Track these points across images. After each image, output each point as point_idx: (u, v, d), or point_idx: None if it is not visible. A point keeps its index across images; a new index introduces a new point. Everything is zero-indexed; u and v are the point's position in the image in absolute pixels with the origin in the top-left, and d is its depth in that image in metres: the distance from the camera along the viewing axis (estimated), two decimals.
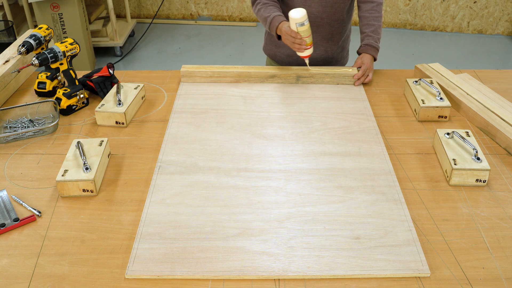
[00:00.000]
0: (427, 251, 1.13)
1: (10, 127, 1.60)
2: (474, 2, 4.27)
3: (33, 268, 1.10)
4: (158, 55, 4.11)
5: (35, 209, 1.25)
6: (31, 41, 1.72)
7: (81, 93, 1.68)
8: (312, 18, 1.83)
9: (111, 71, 1.77)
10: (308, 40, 1.67)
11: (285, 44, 1.89)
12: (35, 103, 1.71)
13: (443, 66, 1.85)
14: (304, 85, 1.80)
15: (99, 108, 1.60)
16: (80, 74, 1.89)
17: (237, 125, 1.58)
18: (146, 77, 1.91)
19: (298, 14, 1.60)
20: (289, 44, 1.69)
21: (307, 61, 1.76)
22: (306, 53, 1.71)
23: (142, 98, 1.73)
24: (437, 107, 1.59)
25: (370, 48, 1.85)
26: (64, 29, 3.60)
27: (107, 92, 1.73)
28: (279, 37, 1.76)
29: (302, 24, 1.61)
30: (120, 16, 4.61)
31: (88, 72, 1.85)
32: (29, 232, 1.20)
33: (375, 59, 1.86)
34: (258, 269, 1.08)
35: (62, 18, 3.56)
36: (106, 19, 4.14)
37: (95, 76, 1.77)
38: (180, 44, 4.29)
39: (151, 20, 4.61)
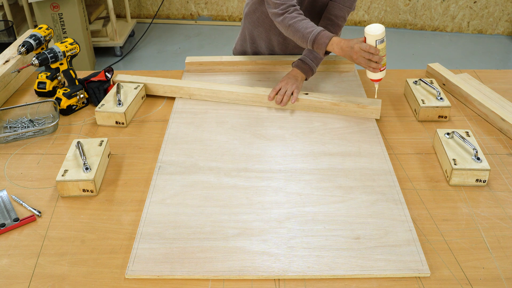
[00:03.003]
0: (427, 251, 1.13)
1: (10, 127, 1.60)
2: (474, 2, 4.27)
3: (33, 268, 1.10)
4: (158, 55, 4.10)
5: (35, 209, 1.25)
6: (31, 41, 1.72)
7: (81, 93, 1.68)
8: (318, 8, 1.75)
9: (108, 75, 1.75)
10: (385, 59, 1.47)
11: (258, 47, 1.89)
12: (35, 103, 1.71)
13: (443, 66, 1.85)
14: (304, 86, 1.80)
15: (99, 108, 1.60)
16: (80, 74, 1.89)
17: (237, 125, 1.58)
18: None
19: (378, 30, 1.41)
20: (363, 62, 1.46)
21: (376, 86, 1.55)
22: (379, 75, 1.49)
23: (142, 98, 1.73)
24: (437, 107, 1.59)
25: (300, 63, 1.70)
26: (64, 29, 3.60)
27: (101, 98, 1.70)
28: (326, 53, 1.57)
29: (382, 41, 1.43)
30: (120, 16, 4.61)
31: (88, 74, 1.83)
32: (29, 232, 1.20)
33: (306, 78, 1.71)
34: (258, 269, 1.08)
35: (62, 18, 3.55)
36: (106, 19, 4.14)
37: (91, 80, 1.75)
38: (180, 44, 4.28)
39: (151, 20, 4.61)
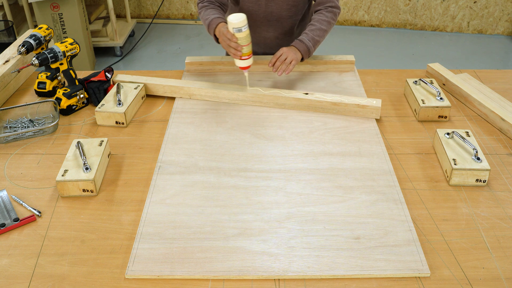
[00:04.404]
0: (427, 251, 1.13)
1: (10, 127, 1.60)
2: (474, 2, 4.27)
3: (33, 268, 1.10)
4: (158, 55, 4.10)
5: (35, 209, 1.25)
6: (31, 41, 1.72)
7: (81, 93, 1.68)
8: (274, 15, 1.83)
9: (108, 75, 1.75)
10: (247, 49, 1.57)
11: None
12: (35, 103, 1.71)
13: (443, 66, 1.85)
14: (304, 86, 1.80)
15: (99, 108, 1.60)
16: (80, 74, 1.89)
17: (237, 125, 1.58)
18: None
19: (235, 19, 1.51)
20: (224, 47, 1.60)
21: (246, 74, 1.66)
22: (243, 63, 1.61)
23: (142, 98, 1.73)
24: (437, 107, 1.59)
25: (297, 42, 1.71)
26: (64, 29, 3.60)
27: (101, 98, 1.71)
28: (217, 39, 1.69)
29: (240, 30, 1.52)
30: (120, 16, 4.61)
31: (88, 74, 1.83)
32: (29, 232, 1.20)
33: (303, 57, 1.71)
34: (258, 269, 1.08)
35: (62, 18, 3.56)
36: (106, 19, 4.14)
37: (91, 80, 1.75)
38: (180, 44, 4.28)
39: (151, 20, 4.61)
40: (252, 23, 1.86)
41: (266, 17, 1.83)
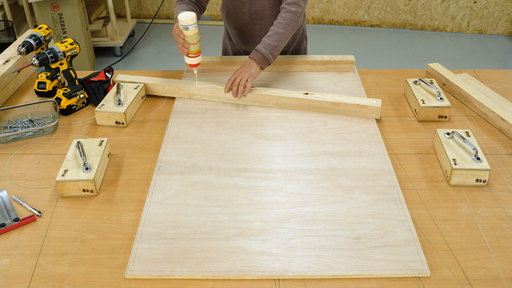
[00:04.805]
0: (427, 251, 1.13)
1: (10, 127, 1.60)
2: (474, 2, 4.27)
3: (33, 268, 1.10)
4: (158, 55, 4.10)
5: (35, 209, 1.25)
6: (31, 41, 1.72)
7: (81, 93, 1.68)
8: (258, 14, 1.83)
9: (108, 75, 1.75)
10: (194, 47, 1.61)
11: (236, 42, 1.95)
12: (35, 103, 1.71)
13: (443, 66, 1.85)
14: (304, 86, 1.80)
15: (99, 108, 1.60)
16: (80, 74, 1.89)
17: (237, 125, 1.58)
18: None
19: (183, 17, 1.55)
20: (175, 40, 1.64)
21: (195, 72, 1.70)
22: (190, 61, 1.65)
23: (142, 98, 1.73)
24: (437, 107, 1.59)
25: (254, 52, 1.67)
26: (64, 29, 3.60)
27: (101, 98, 1.71)
28: None
29: (186, 28, 1.56)
30: (120, 16, 4.61)
31: (88, 74, 1.83)
32: (29, 232, 1.20)
33: (262, 67, 1.67)
34: (258, 269, 1.08)
35: (62, 18, 3.56)
36: (106, 19, 4.14)
37: (91, 80, 1.75)
38: None
39: (151, 20, 4.61)
40: (239, 22, 1.88)
41: (251, 15, 1.84)
